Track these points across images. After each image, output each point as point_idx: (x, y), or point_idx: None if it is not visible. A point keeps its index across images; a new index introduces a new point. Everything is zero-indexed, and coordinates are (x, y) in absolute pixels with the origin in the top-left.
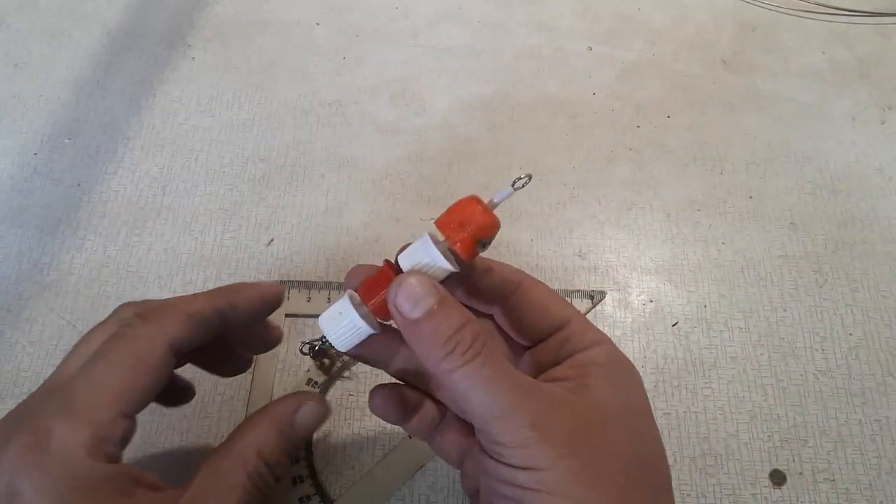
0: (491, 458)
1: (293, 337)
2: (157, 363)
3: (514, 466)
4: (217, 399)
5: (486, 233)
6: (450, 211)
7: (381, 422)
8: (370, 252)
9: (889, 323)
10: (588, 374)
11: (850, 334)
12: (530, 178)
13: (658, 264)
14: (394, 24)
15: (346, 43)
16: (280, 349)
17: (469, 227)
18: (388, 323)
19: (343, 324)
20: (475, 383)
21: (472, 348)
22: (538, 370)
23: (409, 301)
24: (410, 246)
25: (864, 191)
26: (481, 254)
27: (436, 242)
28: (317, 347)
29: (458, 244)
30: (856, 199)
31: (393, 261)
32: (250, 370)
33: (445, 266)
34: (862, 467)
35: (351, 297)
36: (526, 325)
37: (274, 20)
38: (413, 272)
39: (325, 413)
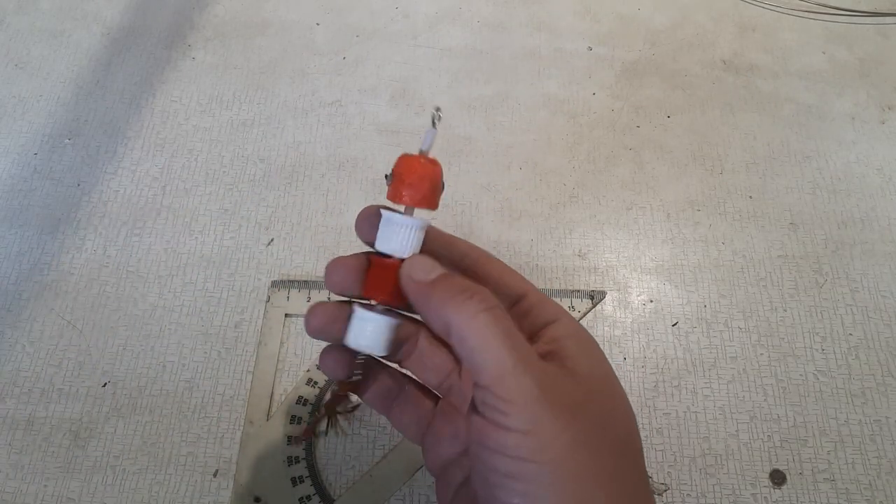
0: (490, 423)
1: (293, 337)
2: None
3: (515, 431)
4: (216, 400)
5: (436, 178)
6: (397, 178)
7: (382, 421)
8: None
9: (889, 323)
10: (566, 348)
11: (850, 334)
12: (438, 108)
13: (658, 264)
14: (394, 24)
15: (346, 43)
16: (280, 349)
17: (421, 181)
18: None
19: (371, 329)
20: (494, 334)
21: (488, 299)
22: None
23: (423, 271)
24: (378, 232)
25: (864, 191)
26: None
27: (396, 213)
28: (358, 374)
29: (422, 199)
30: (856, 199)
31: (372, 250)
32: (250, 370)
33: (421, 221)
34: (862, 467)
35: (360, 308)
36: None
37: (274, 20)
38: (416, 256)
39: None
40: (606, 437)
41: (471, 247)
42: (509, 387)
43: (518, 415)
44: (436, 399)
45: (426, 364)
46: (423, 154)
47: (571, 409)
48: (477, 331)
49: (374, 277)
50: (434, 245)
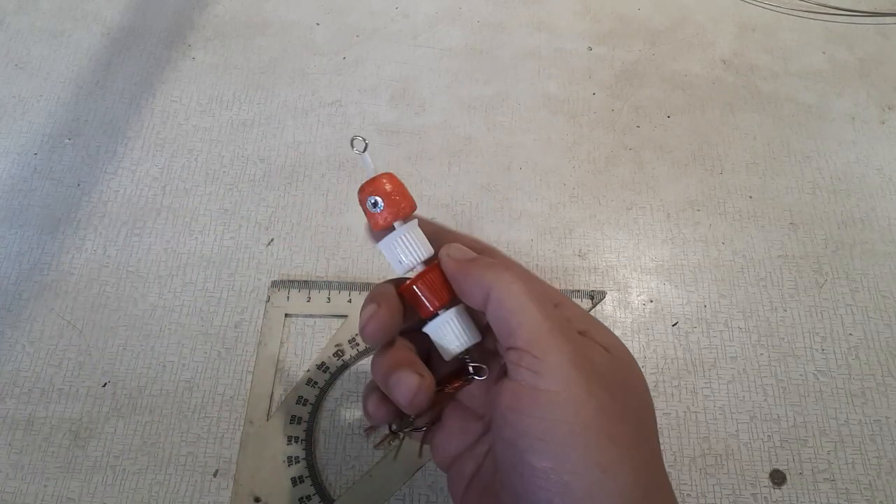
0: (523, 386)
1: (293, 337)
2: None
3: (547, 391)
4: (216, 400)
5: (395, 184)
6: (371, 213)
7: None
8: (370, 252)
9: (889, 323)
10: (590, 325)
11: (850, 334)
12: (357, 137)
13: (658, 264)
14: (394, 25)
15: (346, 43)
16: (280, 349)
17: (389, 197)
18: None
19: (457, 328)
20: (530, 299)
21: (523, 273)
22: None
23: (461, 252)
24: (390, 260)
25: (864, 191)
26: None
27: (388, 236)
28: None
29: (400, 210)
30: (856, 199)
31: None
32: (250, 370)
33: (407, 225)
34: (862, 467)
35: (430, 322)
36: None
37: (274, 20)
38: (453, 243)
39: None
40: (629, 407)
41: (474, 241)
42: (545, 348)
43: (552, 375)
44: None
45: (453, 429)
46: (371, 178)
47: (600, 376)
48: (516, 295)
49: (424, 291)
50: (441, 242)
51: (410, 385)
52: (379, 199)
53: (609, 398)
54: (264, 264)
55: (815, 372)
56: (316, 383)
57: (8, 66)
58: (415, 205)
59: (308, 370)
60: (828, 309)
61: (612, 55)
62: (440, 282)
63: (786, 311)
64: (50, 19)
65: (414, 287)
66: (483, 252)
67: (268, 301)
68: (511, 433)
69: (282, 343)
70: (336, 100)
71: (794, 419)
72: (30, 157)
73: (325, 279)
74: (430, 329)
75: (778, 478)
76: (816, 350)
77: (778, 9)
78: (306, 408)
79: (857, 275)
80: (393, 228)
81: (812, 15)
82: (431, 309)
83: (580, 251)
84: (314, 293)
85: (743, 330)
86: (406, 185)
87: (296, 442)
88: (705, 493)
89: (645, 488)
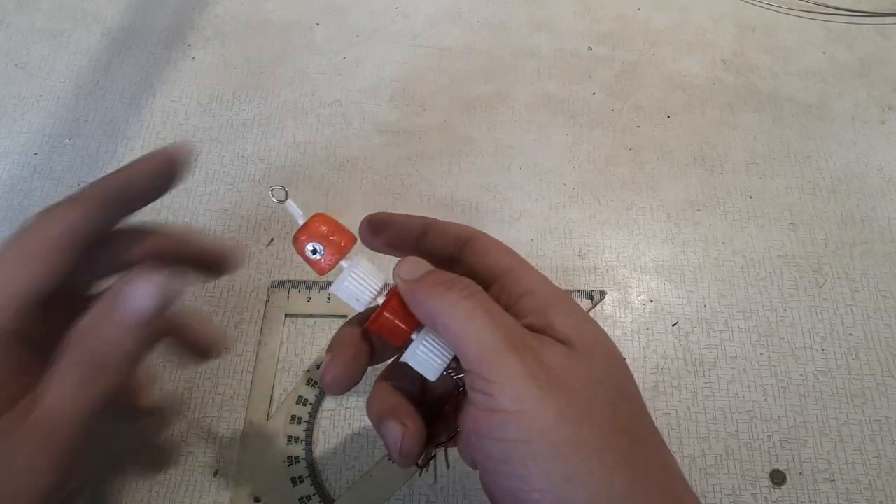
0: (479, 409)
1: (293, 337)
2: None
3: (501, 411)
4: (216, 400)
5: (328, 222)
6: (313, 260)
7: None
8: (370, 252)
9: (889, 323)
10: (550, 315)
11: (850, 334)
12: (277, 186)
13: (658, 264)
14: (394, 24)
15: (346, 43)
16: (280, 349)
17: (326, 238)
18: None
19: (432, 347)
20: (473, 316)
21: (468, 287)
22: None
23: (410, 270)
24: (347, 300)
25: (864, 191)
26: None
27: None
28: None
29: (339, 249)
30: (856, 199)
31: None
32: (250, 370)
33: (349, 262)
34: (862, 467)
35: (408, 351)
36: (478, 278)
37: (274, 20)
38: (405, 259)
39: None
40: (597, 398)
41: (461, 227)
42: (492, 366)
43: (503, 394)
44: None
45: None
46: (303, 225)
47: (556, 379)
48: (457, 317)
49: (389, 323)
50: (430, 236)
51: (395, 437)
52: (318, 245)
53: (569, 401)
54: (264, 264)
55: (815, 372)
56: (316, 383)
57: (8, 65)
58: (354, 237)
59: (308, 370)
60: (828, 309)
61: (612, 55)
62: (402, 306)
63: (786, 311)
64: (50, 19)
65: (379, 321)
66: (461, 237)
67: (268, 301)
68: (479, 457)
69: (282, 343)
70: (336, 100)
71: (794, 419)
72: (30, 157)
73: (325, 279)
74: (406, 358)
75: (778, 478)
76: (816, 350)
77: (778, 9)
78: (306, 408)
79: (857, 275)
80: (340, 268)
81: (812, 15)
82: (403, 338)
83: (580, 251)
84: (314, 293)
85: (743, 330)
86: (406, 185)
87: (296, 442)
88: (705, 493)
89: (628, 481)
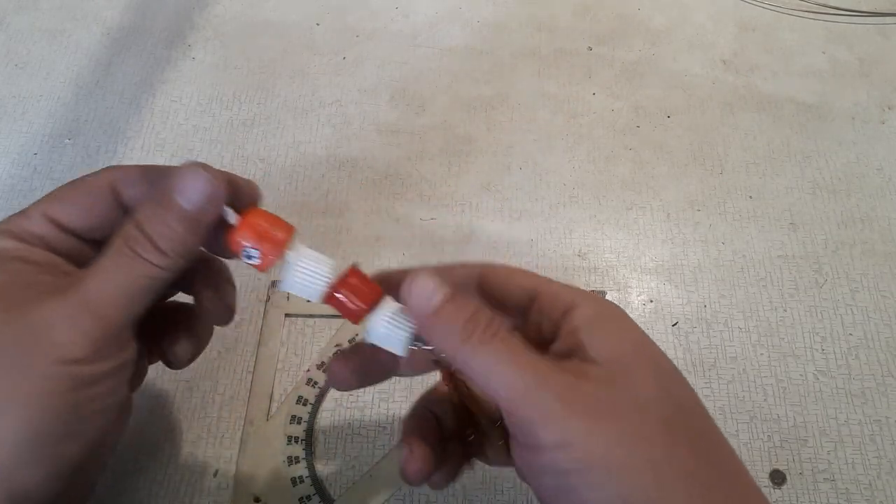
0: (524, 447)
1: (293, 337)
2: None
3: (548, 448)
4: (216, 400)
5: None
6: (264, 238)
7: (381, 422)
8: (370, 252)
9: (889, 323)
10: (585, 337)
11: (850, 334)
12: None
13: (658, 264)
14: (394, 24)
15: (346, 43)
16: (280, 349)
17: (265, 231)
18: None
19: (389, 321)
20: (498, 361)
21: (488, 328)
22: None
23: (422, 296)
24: (302, 286)
25: (864, 191)
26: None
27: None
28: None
29: (283, 235)
30: (856, 199)
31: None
32: (250, 370)
33: (301, 248)
34: (862, 467)
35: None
36: (505, 310)
37: (274, 20)
38: (421, 270)
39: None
40: (648, 420)
41: (469, 267)
42: (527, 408)
43: (545, 431)
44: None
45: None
46: (236, 225)
47: (598, 407)
48: (482, 363)
49: (346, 305)
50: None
51: (401, 459)
52: (253, 247)
53: (617, 425)
54: None
55: (815, 372)
56: (316, 383)
57: (8, 65)
58: (292, 227)
59: (308, 370)
60: (828, 309)
61: (612, 55)
62: (355, 287)
63: (786, 311)
64: (50, 19)
65: (334, 303)
66: (481, 279)
67: (268, 301)
68: (535, 488)
69: (282, 343)
70: (336, 100)
71: (794, 419)
72: (30, 157)
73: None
74: (369, 338)
75: (778, 478)
76: (816, 350)
77: (778, 9)
78: (306, 408)
79: (857, 275)
80: (285, 262)
81: (812, 15)
82: (359, 318)
83: (580, 251)
84: None
85: (743, 330)
86: (406, 185)
87: (296, 442)
88: None
89: (690, 495)
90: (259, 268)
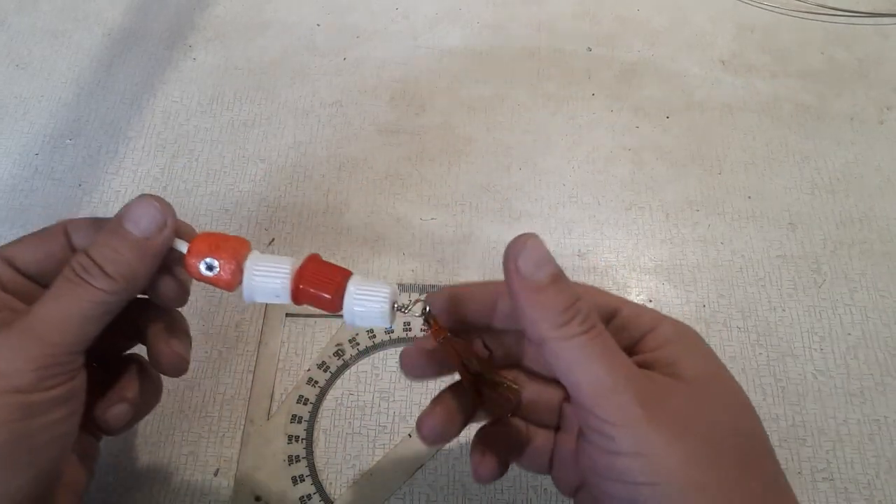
0: (597, 449)
1: (294, 336)
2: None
3: (623, 454)
4: (217, 399)
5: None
6: (221, 251)
7: (381, 421)
8: (370, 252)
9: (887, 323)
10: (669, 354)
11: (849, 334)
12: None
13: (657, 264)
14: (394, 25)
15: (347, 43)
16: (281, 348)
17: (220, 246)
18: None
19: (363, 293)
20: (590, 354)
21: (587, 321)
22: None
23: (534, 263)
24: (264, 291)
25: (863, 191)
26: None
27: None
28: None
29: (238, 247)
30: (854, 199)
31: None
32: (251, 369)
33: (255, 255)
34: (860, 467)
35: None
36: None
37: (275, 21)
38: (529, 234)
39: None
40: (723, 444)
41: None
42: (610, 407)
43: (623, 437)
44: (552, 428)
45: (538, 407)
46: (189, 245)
47: (679, 422)
48: (572, 354)
49: (313, 294)
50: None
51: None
52: (212, 261)
53: (696, 444)
54: None
55: (814, 371)
56: (317, 382)
57: (9, 66)
58: (247, 241)
59: (309, 369)
60: (826, 309)
61: (612, 56)
62: (315, 272)
63: (784, 310)
64: (51, 20)
65: (301, 297)
66: None
67: None
68: (598, 493)
69: (282, 342)
70: (336, 100)
71: (793, 419)
72: (31, 158)
73: None
74: (349, 322)
75: None
76: (815, 350)
77: (777, 9)
78: (307, 407)
79: (856, 274)
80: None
81: (811, 15)
82: (333, 300)
83: (580, 251)
84: None
85: (742, 330)
86: (406, 185)
87: (296, 441)
88: None
89: None
90: (223, 281)
